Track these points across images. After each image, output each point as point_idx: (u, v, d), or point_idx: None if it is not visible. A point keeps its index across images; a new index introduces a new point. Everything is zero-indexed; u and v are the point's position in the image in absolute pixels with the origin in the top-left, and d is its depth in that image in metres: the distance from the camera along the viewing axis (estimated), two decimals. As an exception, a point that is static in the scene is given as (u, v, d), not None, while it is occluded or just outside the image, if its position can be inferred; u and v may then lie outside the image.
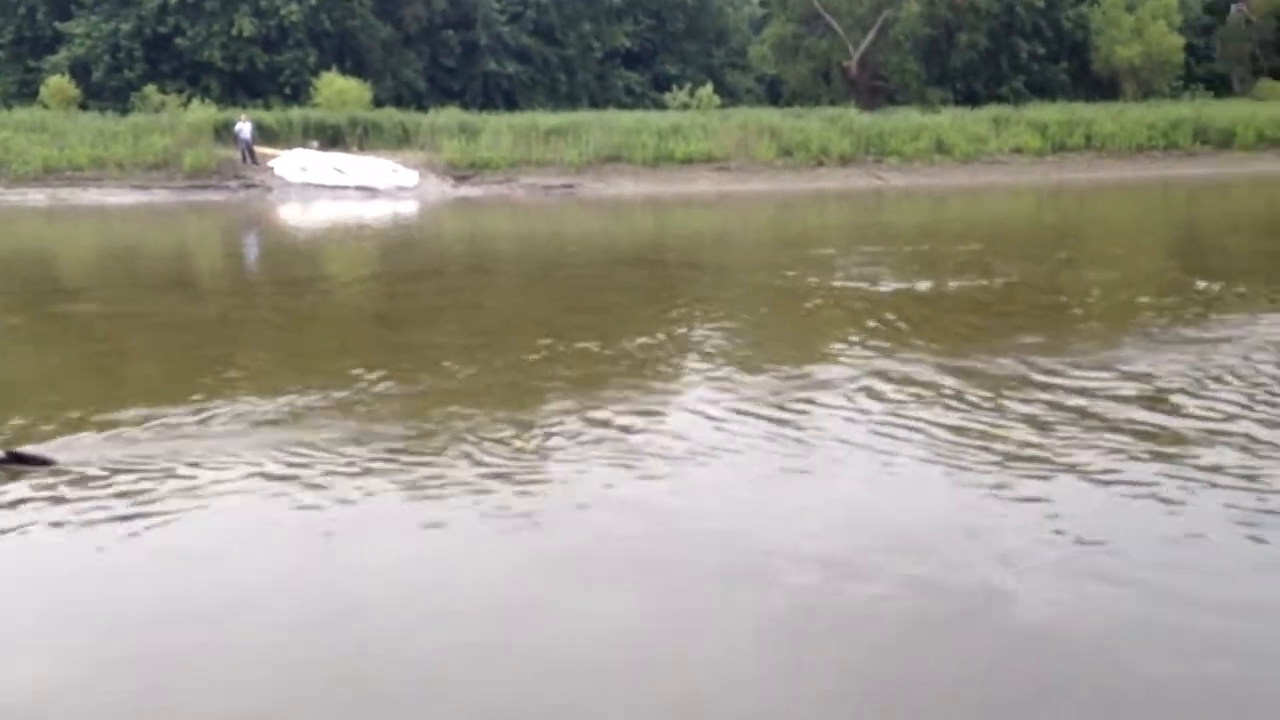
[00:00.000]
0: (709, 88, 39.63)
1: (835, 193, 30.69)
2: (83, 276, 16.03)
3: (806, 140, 34.24)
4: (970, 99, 41.65)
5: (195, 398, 7.38)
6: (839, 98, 42.52)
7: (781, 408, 7.24)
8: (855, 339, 9.58)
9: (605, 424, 6.81)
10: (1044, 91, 42.66)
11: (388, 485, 5.73)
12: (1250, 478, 5.72)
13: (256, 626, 4.30)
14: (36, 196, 27.60)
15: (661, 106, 40.23)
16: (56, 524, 5.23)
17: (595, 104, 42.36)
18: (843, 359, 8.78)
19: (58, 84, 34.81)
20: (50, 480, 5.69)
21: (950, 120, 36.23)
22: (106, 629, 4.33)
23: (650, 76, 46.64)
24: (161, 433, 6.54)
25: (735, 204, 28.36)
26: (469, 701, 3.82)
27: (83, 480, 5.72)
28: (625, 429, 6.73)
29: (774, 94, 46.99)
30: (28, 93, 36.52)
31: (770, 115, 36.95)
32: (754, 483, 5.86)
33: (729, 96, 42.69)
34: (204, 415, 6.93)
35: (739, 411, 7.13)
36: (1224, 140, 36.21)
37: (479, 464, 6.06)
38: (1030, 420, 6.82)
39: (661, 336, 9.75)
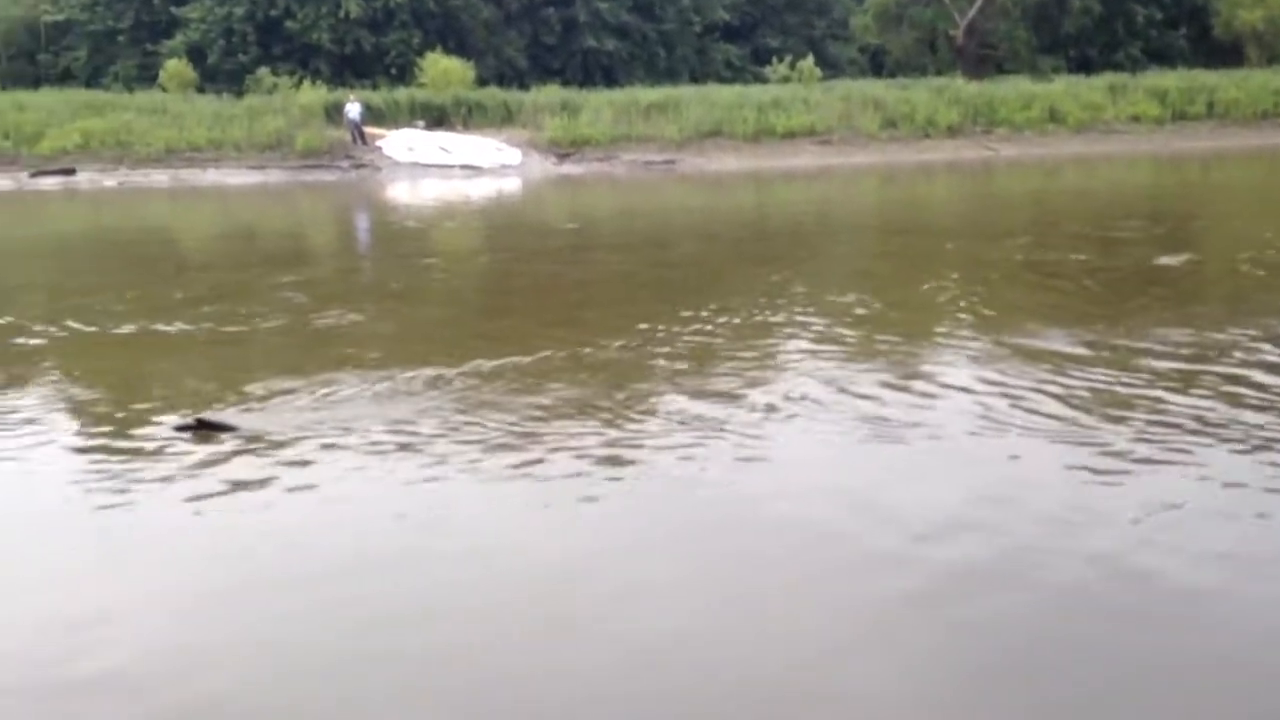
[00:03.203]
0: (810, 60, 39.10)
1: (943, 164, 30.08)
2: (225, 252, 16.56)
3: (912, 111, 33.63)
4: (1084, 67, 40.35)
5: (362, 366, 7.71)
6: (945, 67, 41.61)
7: (911, 383, 7.15)
8: (977, 311, 9.41)
9: (721, 397, 6.80)
10: (1162, 58, 41.09)
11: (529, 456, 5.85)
12: None
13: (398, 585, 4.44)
14: (159, 177, 28.62)
15: (762, 80, 39.88)
16: (234, 485, 5.49)
17: (695, 78, 42.19)
18: (969, 333, 8.63)
19: (175, 67, 35.96)
20: (233, 444, 5.98)
21: (1064, 88, 35.20)
22: (278, 587, 4.50)
23: (750, 50, 46.24)
24: (336, 400, 6.84)
25: (840, 177, 28.00)
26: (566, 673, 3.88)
27: (261, 444, 5.99)
28: (738, 406, 6.71)
29: (877, 65, 46.18)
30: (147, 76, 37.82)
31: (874, 87, 36.35)
32: (883, 464, 5.80)
33: (831, 68, 42.08)
34: (369, 383, 7.20)
35: (864, 390, 7.06)
36: (1357, 106, 34.50)
37: (612, 434, 6.12)
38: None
39: (780, 311, 9.71)
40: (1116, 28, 41.84)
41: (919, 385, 7.10)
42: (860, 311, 9.82)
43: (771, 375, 7.49)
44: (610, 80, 41.38)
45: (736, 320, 9.28)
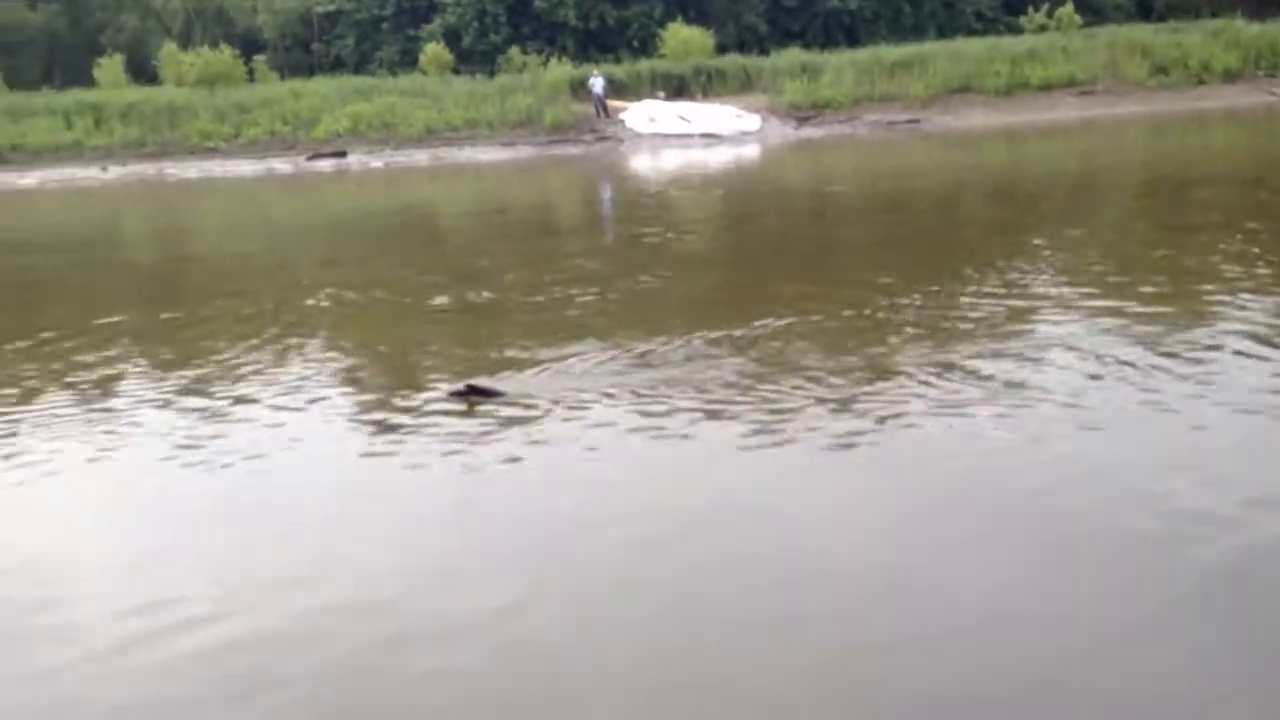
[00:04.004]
0: (1069, 6, 36.83)
1: (1219, 112, 27.74)
2: (520, 223, 17.38)
3: (1184, 56, 31.25)
4: (1389, -3, 36.15)
5: (631, 331, 7.87)
6: (1221, 9, 38.21)
7: (1199, 354, 6.64)
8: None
9: (975, 367, 6.52)
10: None
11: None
12: None
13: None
14: (420, 156, 30.28)
15: (1016, 31, 37.90)
16: (492, 448, 5.72)
17: (942, 34, 40.55)
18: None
19: (434, 51, 37.83)
20: (500, 409, 6.25)
21: (1364, 24, 31.68)
22: (573, 549, 4.68)
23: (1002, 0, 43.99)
24: (600, 365, 7.05)
25: (1104, 129, 26.29)
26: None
27: (526, 409, 6.25)
28: (994, 371, 6.42)
29: (1145, 9, 42.91)
30: (408, 60, 40.00)
31: (1142, 31, 33.94)
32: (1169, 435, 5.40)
33: (1093, 15, 39.38)
34: (635, 349, 7.36)
35: (1151, 361, 6.61)
36: None
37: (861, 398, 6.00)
38: None
39: (1045, 276, 9.24)
40: None
41: (1210, 356, 6.57)
42: (1153, 275, 9.17)
43: (1051, 346, 7.10)
44: (852, 40, 40.41)
45: (1019, 286, 8.83)
